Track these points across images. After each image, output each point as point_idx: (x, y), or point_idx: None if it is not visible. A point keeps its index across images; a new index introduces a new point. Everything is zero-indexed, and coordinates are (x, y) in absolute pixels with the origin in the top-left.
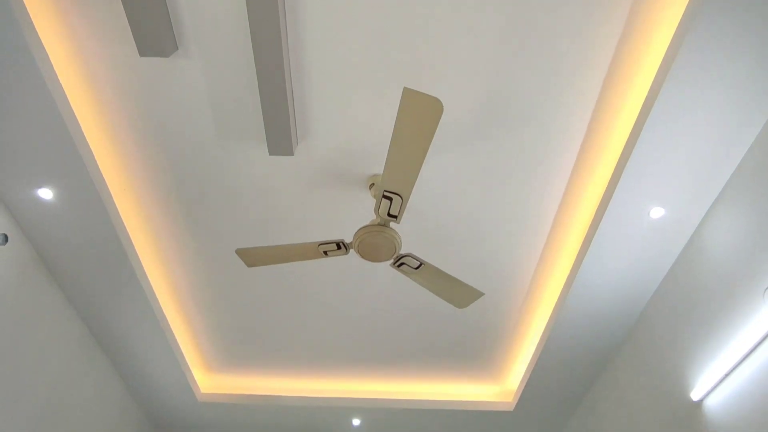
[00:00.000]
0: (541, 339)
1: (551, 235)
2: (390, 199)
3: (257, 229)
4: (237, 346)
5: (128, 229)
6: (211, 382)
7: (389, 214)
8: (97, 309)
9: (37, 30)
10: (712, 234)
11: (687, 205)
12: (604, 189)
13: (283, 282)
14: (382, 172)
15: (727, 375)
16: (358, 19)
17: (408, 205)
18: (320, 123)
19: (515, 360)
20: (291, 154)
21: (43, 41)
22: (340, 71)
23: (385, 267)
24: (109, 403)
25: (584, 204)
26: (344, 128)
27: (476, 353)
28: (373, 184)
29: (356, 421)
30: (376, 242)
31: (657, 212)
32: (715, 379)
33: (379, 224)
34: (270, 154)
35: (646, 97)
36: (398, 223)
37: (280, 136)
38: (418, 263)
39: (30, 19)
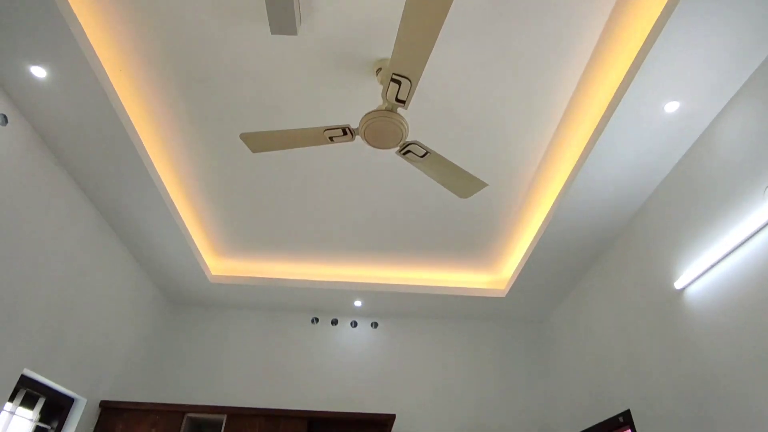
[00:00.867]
0: (539, 231)
1: (560, 128)
2: (399, 82)
3: (260, 114)
4: (245, 233)
5: (127, 111)
6: (221, 265)
7: (397, 99)
8: (107, 194)
9: None
10: (723, 131)
11: (703, 100)
12: (620, 82)
13: (289, 170)
14: (390, 56)
15: (712, 266)
16: None
17: (416, 91)
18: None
19: (513, 251)
20: (294, 33)
21: None
22: None
23: (391, 155)
24: (126, 281)
25: (597, 97)
26: (351, 5)
27: (475, 244)
28: (380, 69)
29: (358, 303)
30: (383, 128)
31: (672, 106)
32: (700, 270)
33: (386, 109)
34: (272, 33)
35: None
36: (406, 108)
37: (283, 13)
38: (424, 151)
39: None
